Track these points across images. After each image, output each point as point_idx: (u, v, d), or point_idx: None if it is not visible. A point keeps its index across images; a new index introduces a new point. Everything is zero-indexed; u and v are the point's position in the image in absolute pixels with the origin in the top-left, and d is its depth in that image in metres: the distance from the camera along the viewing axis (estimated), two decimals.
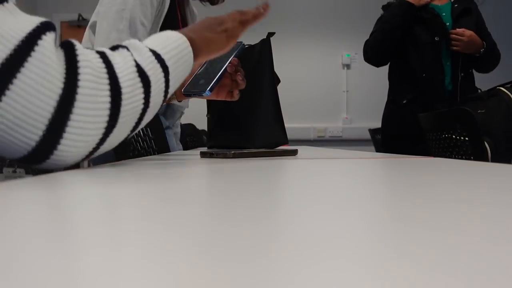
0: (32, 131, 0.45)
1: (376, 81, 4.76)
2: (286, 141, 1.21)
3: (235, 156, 0.82)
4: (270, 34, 1.21)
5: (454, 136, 1.43)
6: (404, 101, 1.96)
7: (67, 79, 0.47)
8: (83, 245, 0.16)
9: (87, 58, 0.49)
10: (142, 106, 0.54)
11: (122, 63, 0.53)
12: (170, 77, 0.59)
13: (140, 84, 0.54)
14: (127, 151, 1.29)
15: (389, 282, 0.12)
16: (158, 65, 0.57)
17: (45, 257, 0.14)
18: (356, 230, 0.19)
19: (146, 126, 1.29)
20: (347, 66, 4.85)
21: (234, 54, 0.90)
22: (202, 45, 0.67)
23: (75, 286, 0.12)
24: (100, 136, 0.50)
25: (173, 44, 0.61)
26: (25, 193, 0.32)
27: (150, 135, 1.37)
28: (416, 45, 1.96)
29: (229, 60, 0.89)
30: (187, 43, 0.63)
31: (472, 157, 1.38)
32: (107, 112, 0.50)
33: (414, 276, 0.12)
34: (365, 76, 4.84)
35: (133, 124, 0.55)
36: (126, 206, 0.27)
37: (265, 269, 0.13)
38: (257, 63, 1.21)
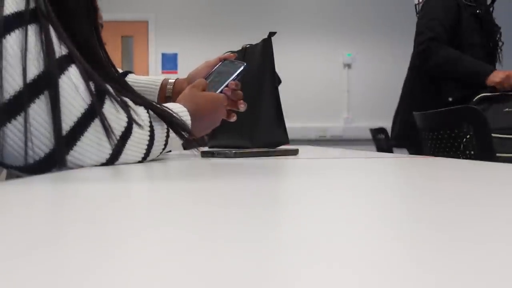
0: (46, 142, 0.50)
1: (377, 80, 4.77)
2: (287, 141, 1.21)
3: (236, 155, 0.82)
4: (272, 34, 1.20)
5: (461, 134, 1.43)
6: (450, 99, 1.83)
7: (90, 107, 0.53)
8: (79, 246, 0.16)
9: (111, 104, 0.56)
10: (142, 154, 0.62)
11: (141, 117, 0.61)
12: (168, 140, 0.69)
13: (147, 139, 0.63)
14: None
15: (391, 282, 0.12)
16: (165, 129, 0.67)
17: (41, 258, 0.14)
18: (358, 230, 0.19)
19: None
20: (348, 66, 4.85)
21: (233, 76, 0.90)
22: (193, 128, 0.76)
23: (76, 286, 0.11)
24: (102, 162, 0.57)
25: (182, 117, 0.72)
26: (29, 191, 0.32)
27: None
28: (471, 45, 1.85)
29: (226, 83, 0.88)
30: (189, 120, 0.74)
31: (473, 156, 1.38)
32: (111, 148, 0.56)
33: (418, 276, 0.12)
34: (366, 75, 4.85)
35: (137, 159, 0.62)
36: (126, 207, 0.27)
37: (266, 269, 0.13)
38: (259, 63, 1.21)
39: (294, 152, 0.93)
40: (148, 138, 0.62)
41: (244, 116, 0.98)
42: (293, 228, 0.19)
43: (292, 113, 4.56)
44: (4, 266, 0.13)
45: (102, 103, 0.55)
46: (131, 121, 0.58)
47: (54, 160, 0.52)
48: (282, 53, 4.73)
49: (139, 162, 0.63)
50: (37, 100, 0.49)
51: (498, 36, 1.92)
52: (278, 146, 1.16)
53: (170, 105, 0.72)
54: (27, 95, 0.48)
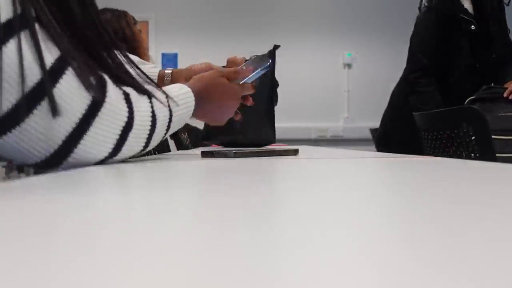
0: (50, 144, 0.51)
1: (377, 80, 4.77)
2: (274, 141, 1.43)
3: (236, 155, 0.82)
4: (276, 47, 1.38)
5: (461, 134, 1.43)
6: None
7: (89, 110, 0.53)
8: (78, 246, 0.16)
9: (112, 98, 0.56)
10: (143, 144, 0.63)
11: (142, 109, 0.61)
12: (172, 122, 0.70)
13: (149, 128, 0.63)
14: None
15: (391, 283, 0.12)
16: (168, 116, 0.67)
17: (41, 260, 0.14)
18: (358, 230, 0.19)
19: None
20: (348, 66, 4.85)
21: (257, 71, 0.92)
22: (200, 113, 0.80)
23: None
24: (105, 156, 0.57)
25: (185, 99, 0.74)
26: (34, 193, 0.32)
27: None
28: (454, 65, 1.88)
29: (251, 75, 0.90)
30: (193, 101, 0.75)
31: (473, 156, 1.38)
32: (114, 142, 0.57)
33: (418, 277, 0.12)
34: (366, 75, 4.85)
35: (138, 149, 0.63)
36: (125, 207, 0.27)
37: (267, 269, 0.13)
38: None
39: (294, 152, 0.93)
40: (149, 128, 0.63)
41: (242, 115, 1.05)
42: (294, 228, 0.19)
43: (292, 113, 4.56)
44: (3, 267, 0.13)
45: (104, 97, 0.54)
46: (132, 114, 0.59)
47: (55, 162, 0.53)
48: (282, 53, 4.71)
49: (140, 152, 0.64)
50: (35, 111, 0.49)
51: (493, 52, 1.90)
52: (267, 144, 1.38)
53: (175, 86, 0.74)
54: (25, 106, 0.48)
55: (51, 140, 0.51)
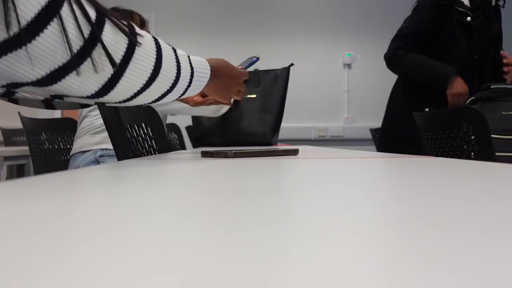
0: (97, 82, 0.61)
1: (377, 80, 4.77)
2: (276, 141, 1.64)
3: (236, 155, 0.82)
4: (291, 65, 1.77)
5: (460, 134, 1.43)
6: (427, 109, 1.85)
7: (128, 49, 0.62)
8: (82, 246, 0.16)
9: (144, 40, 0.66)
10: (170, 85, 0.72)
11: (168, 53, 0.72)
12: (193, 80, 0.80)
13: (175, 70, 0.73)
14: (128, 151, 1.29)
15: (391, 282, 0.12)
16: (189, 68, 0.78)
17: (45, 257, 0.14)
18: (358, 229, 0.19)
19: (146, 126, 1.30)
20: (348, 66, 4.85)
21: (245, 64, 1.11)
22: (211, 86, 0.91)
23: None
24: (137, 90, 0.67)
25: (203, 64, 0.85)
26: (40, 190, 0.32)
27: (151, 135, 1.38)
28: (450, 57, 1.85)
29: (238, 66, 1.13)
30: (209, 72, 0.86)
31: (473, 156, 1.38)
32: (147, 77, 0.66)
33: (417, 276, 0.12)
34: (366, 75, 4.84)
35: (159, 94, 0.72)
36: (126, 207, 0.27)
37: (267, 268, 0.13)
38: (277, 81, 1.69)
39: (294, 152, 0.93)
40: (175, 75, 0.72)
41: (251, 117, 1.14)
42: (293, 228, 0.19)
43: (292, 113, 4.56)
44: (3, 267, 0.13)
45: (136, 38, 0.63)
46: (160, 56, 0.68)
47: (99, 96, 0.63)
48: (282, 53, 4.73)
49: (160, 98, 0.72)
50: (95, 49, 0.57)
51: (490, 48, 1.89)
52: (269, 145, 1.56)
53: (194, 56, 0.83)
54: (87, 50, 0.57)
55: (99, 80, 0.60)
